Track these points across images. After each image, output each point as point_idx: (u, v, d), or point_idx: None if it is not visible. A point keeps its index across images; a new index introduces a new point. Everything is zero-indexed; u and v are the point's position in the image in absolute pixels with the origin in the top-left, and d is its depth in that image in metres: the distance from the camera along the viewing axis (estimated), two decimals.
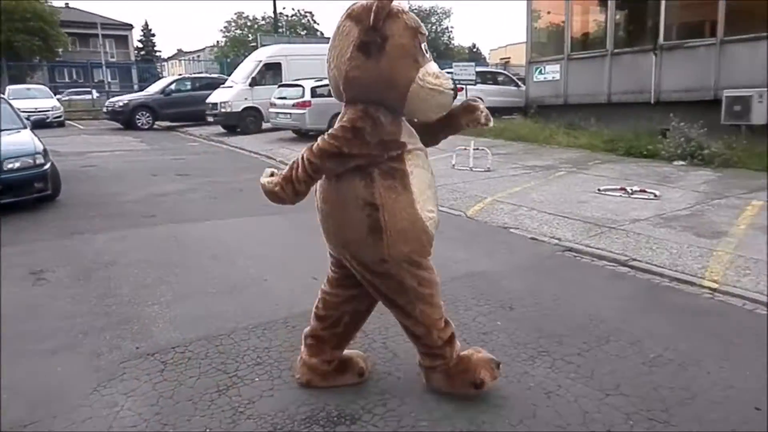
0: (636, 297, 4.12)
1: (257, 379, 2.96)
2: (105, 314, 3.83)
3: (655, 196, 6.77)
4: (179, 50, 60.87)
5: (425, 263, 2.59)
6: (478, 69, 21.59)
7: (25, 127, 7.97)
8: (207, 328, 3.58)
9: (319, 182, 2.59)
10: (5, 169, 6.64)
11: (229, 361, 3.14)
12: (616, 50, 12.40)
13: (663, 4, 11.43)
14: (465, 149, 9.26)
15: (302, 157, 2.44)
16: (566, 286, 4.34)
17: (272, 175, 2.55)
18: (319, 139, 2.45)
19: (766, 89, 9.48)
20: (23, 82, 25.82)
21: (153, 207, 7.24)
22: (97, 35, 36.54)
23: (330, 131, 2.42)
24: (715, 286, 4.21)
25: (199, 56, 50.10)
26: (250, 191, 8.42)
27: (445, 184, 7.90)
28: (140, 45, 52.55)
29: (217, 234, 5.96)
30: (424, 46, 2.42)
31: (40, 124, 14.18)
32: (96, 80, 32.44)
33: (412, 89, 2.36)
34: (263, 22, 45.96)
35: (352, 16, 2.35)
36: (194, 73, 26.06)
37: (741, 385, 2.85)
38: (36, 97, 20.38)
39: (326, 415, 2.63)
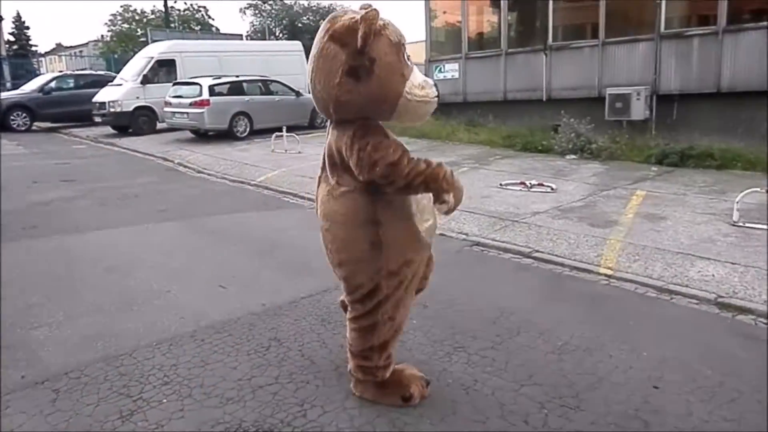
0: (541, 287, 4.31)
1: (165, 400, 2.76)
2: None
3: (552, 189, 7.15)
4: (58, 44, 56.23)
5: (414, 282, 2.61)
6: None
7: None
8: (104, 348, 3.29)
9: (320, 196, 2.57)
10: None
11: (132, 383, 2.91)
12: (510, 50, 12.97)
13: (550, 6, 12.10)
14: None
15: (398, 166, 2.28)
16: (476, 280, 4.45)
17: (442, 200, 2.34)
18: (380, 164, 2.27)
19: (642, 87, 10.32)
20: None
21: (35, 217, 6.60)
22: None
23: (365, 148, 2.28)
24: (610, 272, 4.49)
25: (81, 51, 46.54)
26: (146, 196, 7.95)
27: None
28: (12, 38, 47.96)
29: (112, 244, 5.53)
30: (406, 54, 2.40)
31: None
32: None
33: (401, 103, 2.36)
34: (153, 16, 43.57)
35: (335, 38, 2.26)
36: (78, 70, 24.20)
37: (639, 365, 3.05)
38: None
39: None
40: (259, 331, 3.49)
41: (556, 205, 6.41)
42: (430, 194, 2.42)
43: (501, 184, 7.49)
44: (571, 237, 5.27)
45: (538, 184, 7.32)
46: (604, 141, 9.61)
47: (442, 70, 14.30)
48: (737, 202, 5.50)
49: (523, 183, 7.41)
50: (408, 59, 2.39)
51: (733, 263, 4.45)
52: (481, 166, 9.18)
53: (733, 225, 5.38)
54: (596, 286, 4.32)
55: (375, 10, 2.22)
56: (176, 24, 40.91)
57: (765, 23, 9.20)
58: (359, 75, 2.25)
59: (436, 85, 2.50)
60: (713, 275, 4.27)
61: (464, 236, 5.56)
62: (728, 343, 3.34)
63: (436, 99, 2.48)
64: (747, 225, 5.34)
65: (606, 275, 4.46)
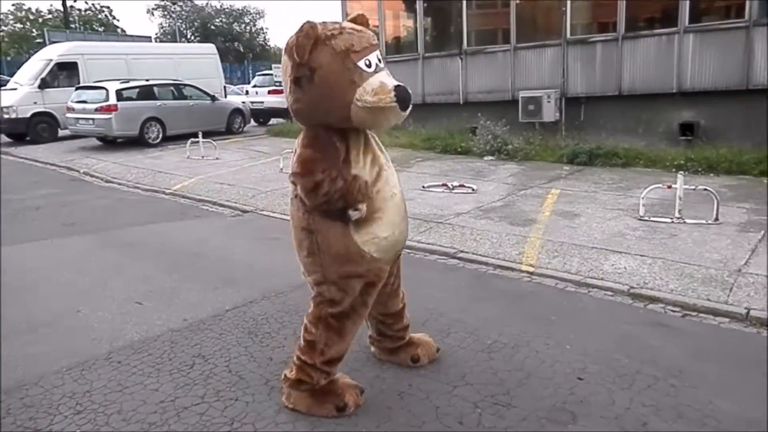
0: (468, 287, 4.38)
1: (78, 431, 2.54)
2: None
3: (473, 190, 7.32)
4: None
5: (364, 292, 2.63)
6: None
7: None
8: (5, 378, 3.00)
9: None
10: None
11: (40, 415, 2.66)
12: (426, 54, 13.19)
13: (464, 12, 12.44)
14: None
15: (317, 189, 2.41)
16: (405, 283, 4.43)
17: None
18: (305, 181, 2.41)
19: (552, 90, 10.82)
20: None
21: None
22: None
23: (300, 157, 2.45)
24: (531, 269, 4.65)
25: None
26: (49, 208, 7.40)
27: (275, 189, 7.76)
28: None
29: (12, 262, 5.08)
30: (365, 60, 2.35)
31: None
32: None
33: (352, 110, 2.37)
34: (50, 16, 40.83)
35: (286, 50, 2.38)
36: None
37: (564, 359, 3.16)
38: None
39: None
40: (181, 349, 3.32)
41: (478, 206, 6.56)
42: (398, 205, 2.68)
43: (423, 187, 7.58)
44: (494, 236, 5.41)
45: (460, 186, 7.47)
46: (519, 142, 9.98)
47: None
48: (642, 198, 5.87)
49: (445, 185, 7.54)
50: (368, 65, 2.36)
51: (642, 255, 4.73)
52: (403, 168, 9.25)
53: (640, 219, 5.73)
54: (520, 283, 4.45)
55: (309, 25, 2.28)
56: (77, 25, 38.61)
57: (658, 30, 9.91)
58: (302, 84, 2.38)
59: (402, 86, 2.38)
60: (625, 268, 4.52)
61: None
62: (642, 332, 3.54)
63: (393, 105, 2.35)
64: (652, 219, 5.70)
65: (528, 272, 4.61)
